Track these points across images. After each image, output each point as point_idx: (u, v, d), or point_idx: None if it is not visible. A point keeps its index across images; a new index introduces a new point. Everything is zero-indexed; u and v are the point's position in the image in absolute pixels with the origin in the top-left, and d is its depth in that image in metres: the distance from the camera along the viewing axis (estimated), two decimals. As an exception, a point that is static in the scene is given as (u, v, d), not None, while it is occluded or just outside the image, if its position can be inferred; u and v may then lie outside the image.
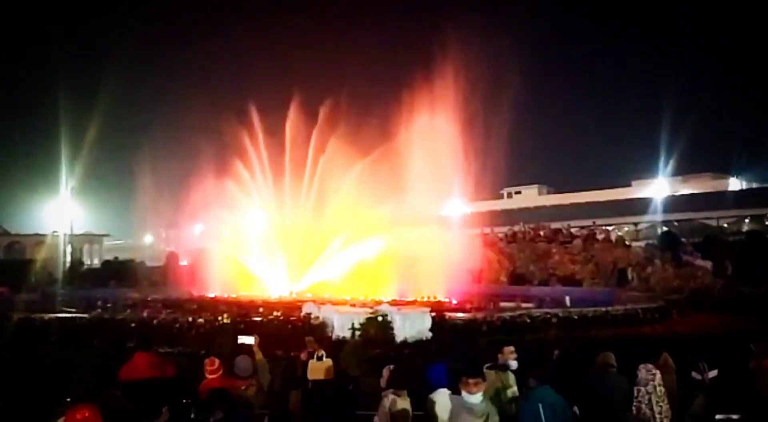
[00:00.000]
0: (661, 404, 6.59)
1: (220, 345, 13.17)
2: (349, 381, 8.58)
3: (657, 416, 6.52)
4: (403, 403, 6.16)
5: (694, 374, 7.13)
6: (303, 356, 9.43)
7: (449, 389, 6.33)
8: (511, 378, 7.31)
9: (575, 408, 7.13)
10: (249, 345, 8.45)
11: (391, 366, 6.81)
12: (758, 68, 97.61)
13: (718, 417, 5.47)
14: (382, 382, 6.70)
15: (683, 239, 36.31)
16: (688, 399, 6.50)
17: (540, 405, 5.76)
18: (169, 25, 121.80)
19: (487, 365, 7.24)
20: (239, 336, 8.88)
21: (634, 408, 6.66)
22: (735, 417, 5.39)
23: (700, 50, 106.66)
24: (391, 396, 6.18)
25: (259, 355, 8.26)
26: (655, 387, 6.63)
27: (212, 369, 7.28)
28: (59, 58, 63.45)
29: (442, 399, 6.24)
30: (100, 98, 43.80)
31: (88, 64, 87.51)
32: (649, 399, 6.57)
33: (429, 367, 7.43)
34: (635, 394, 6.66)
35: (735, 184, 62.23)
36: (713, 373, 7.55)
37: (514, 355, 7.78)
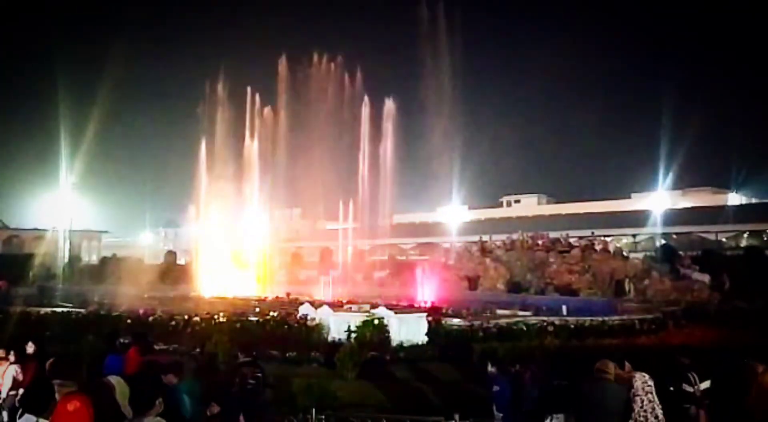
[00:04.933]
0: (660, 412, 6.55)
1: (216, 343, 13.18)
2: None
3: None
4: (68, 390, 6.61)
5: (685, 386, 7.07)
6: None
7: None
8: None
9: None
10: None
11: (51, 360, 7.22)
12: (759, 83, 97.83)
13: None
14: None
15: (681, 252, 36.27)
16: (672, 409, 6.46)
17: (185, 397, 6.29)
18: (173, 23, 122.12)
19: None
20: None
21: (637, 418, 6.56)
22: None
23: (702, 64, 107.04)
24: (56, 386, 6.59)
25: None
26: (654, 396, 6.59)
27: None
28: (59, 54, 63.50)
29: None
30: (101, 94, 43.68)
31: (88, 59, 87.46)
32: (653, 408, 6.51)
33: (108, 356, 8.09)
34: (639, 404, 6.55)
35: (734, 198, 62.15)
36: (705, 385, 7.51)
37: None
